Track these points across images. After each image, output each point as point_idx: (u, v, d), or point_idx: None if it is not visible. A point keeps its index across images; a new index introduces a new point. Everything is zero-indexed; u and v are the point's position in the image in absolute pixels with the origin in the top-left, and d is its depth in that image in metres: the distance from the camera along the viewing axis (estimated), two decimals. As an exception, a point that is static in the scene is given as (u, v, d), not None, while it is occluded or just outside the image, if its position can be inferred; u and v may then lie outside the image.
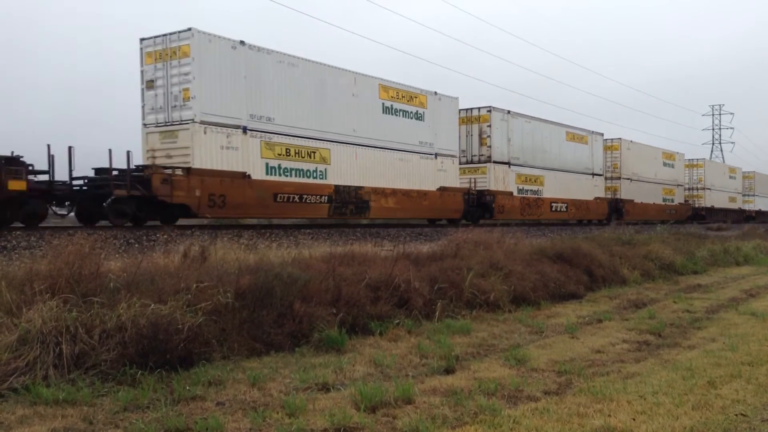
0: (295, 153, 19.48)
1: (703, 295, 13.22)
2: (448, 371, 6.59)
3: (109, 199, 15.45)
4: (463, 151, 28.17)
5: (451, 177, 25.87)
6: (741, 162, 77.61)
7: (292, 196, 19.17)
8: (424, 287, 9.58)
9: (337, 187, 20.64)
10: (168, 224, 17.09)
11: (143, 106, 17.80)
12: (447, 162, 25.60)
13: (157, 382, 5.77)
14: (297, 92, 19.56)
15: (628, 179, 39.76)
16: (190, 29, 17.01)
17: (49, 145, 15.04)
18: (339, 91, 20.96)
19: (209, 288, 7.16)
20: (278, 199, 18.86)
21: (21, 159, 14.24)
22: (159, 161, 17.18)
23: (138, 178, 15.97)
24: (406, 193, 23.42)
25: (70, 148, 15.57)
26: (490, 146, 28.09)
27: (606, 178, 37.70)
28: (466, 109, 28.29)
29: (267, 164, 18.63)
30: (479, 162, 28.25)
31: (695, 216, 47.92)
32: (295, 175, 19.45)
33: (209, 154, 17.20)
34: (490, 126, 28.07)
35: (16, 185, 13.85)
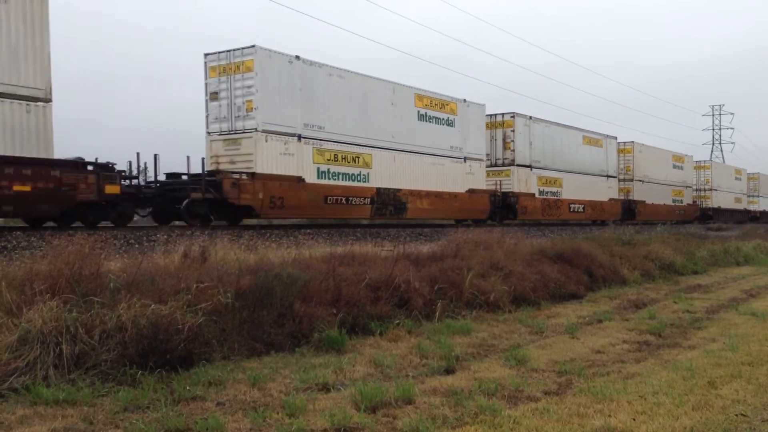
0: (342, 158, 21.27)
1: (704, 296, 13.21)
2: (449, 371, 6.59)
3: (185, 201, 17.07)
4: (488, 154, 29.42)
5: (479, 179, 27.47)
6: (741, 162, 77.76)
7: (339, 198, 20.94)
8: (424, 287, 9.58)
9: (378, 189, 22.35)
10: (234, 224, 18.82)
11: (207, 116, 19.48)
12: (475, 165, 27.23)
13: (157, 382, 5.77)
14: (344, 102, 21.29)
15: (640, 181, 41.23)
16: (253, 46, 18.67)
17: (138, 153, 16.93)
18: (380, 101, 22.66)
19: (209, 288, 7.16)
20: (328, 201, 20.63)
21: (113, 166, 15.90)
22: (222, 166, 18.72)
23: (211, 182, 17.59)
24: (439, 195, 24.99)
25: (155, 155, 17.61)
26: (513, 150, 29.74)
27: (619, 180, 39.11)
28: (491, 115, 29.68)
29: (318, 169, 20.41)
30: (503, 165, 29.86)
31: (703, 216, 49.21)
32: (342, 179, 21.19)
33: (269, 160, 18.81)
34: (513, 131, 29.75)
35: (111, 189, 15.47)
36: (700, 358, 7.25)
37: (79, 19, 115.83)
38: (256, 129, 18.56)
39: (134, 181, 17.06)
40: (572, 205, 33.66)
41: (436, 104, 25.35)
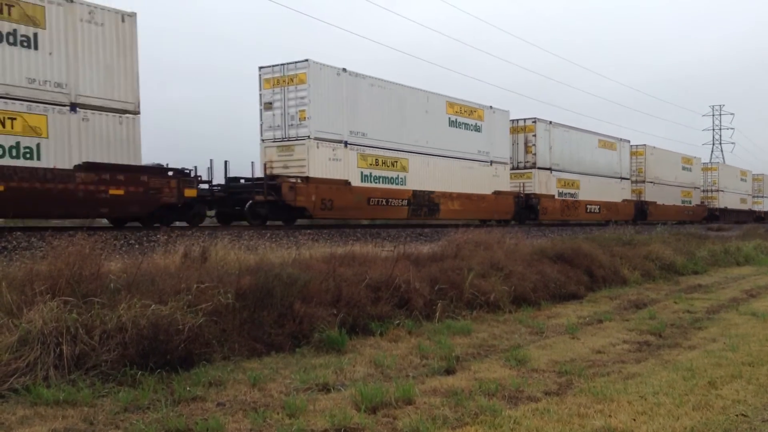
0: (382, 163, 23.01)
1: (704, 296, 13.21)
2: (449, 372, 6.59)
3: (249, 203, 19.00)
4: (510, 158, 30.81)
5: (504, 182, 29.12)
6: (741, 162, 77.88)
7: (380, 199, 22.72)
8: (425, 288, 9.58)
9: (414, 191, 24.07)
10: (289, 224, 20.59)
11: (261, 125, 21.27)
12: (500, 168, 28.88)
13: (157, 382, 5.77)
14: (383, 110, 23.02)
15: (652, 182, 42.80)
16: (307, 60, 20.32)
17: (212, 160, 18.85)
18: (415, 108, 24.32)
19: (210, 288, 7.16)
20: (370, 203, 22.35)
21: (189, 171, 17.67)
22: (275, 171, 20.36)
23: (271, 186, 19.40)
24: (468, 197, 26.68)
25: (226, 162, 19.74)
26: (535, 153, 31.43)
27: (632, 182, 40.65)
28: (514, 120, 31.25)
29: (362, 173, 22.12)
30: (525, 168, 31.48)
31: (710, 216, 50.59)
32: (382, 182, 22.97)
33: (320, 165, 20.59)
34: (535, 135, 31.43)
35: (189, 193, 17.20)
36: (701, 359, 7.24)
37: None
38: (308, 136, 20.29)
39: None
40: (589, 206, 35.17)
41: (465, 111, 26.89)
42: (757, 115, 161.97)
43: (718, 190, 54.22)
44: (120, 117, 15.73)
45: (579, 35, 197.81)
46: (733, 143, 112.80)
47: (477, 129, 27.48)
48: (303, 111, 20.34)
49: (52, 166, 14.47)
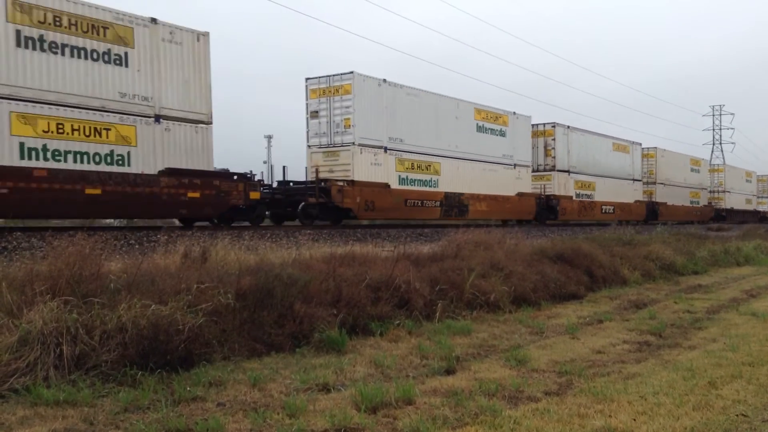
0: (417, 167, 24.82)
1: (704, 296, 13.21)
2: (449, 372, 6.58)
3: (302, 204, 20.95)
4: (531, 161, 32.39)
5: (526, 184, 30.92)
6: (741, 162, 78.01)
7: (416, 201, 24.51)
8: (425, 288, 9.58)
9: (446, 193, 25.76)
10: (336, 224, 22.29)
11: (307, 132, 23.03)
12: (522, 171, 30.65)
13: (157, 382, 5.77)
14: (418, 117, 24.71)
15: (662, 184, 44.63)
16: (352, 72, 22.05)
17: (272, 166, 22.17)
18: (446, 115, 25.99)
19: (210, 289, 7.16)
20: (407, 204, 24.12)
21: (252, 175, 19.40)
22: (321, 175, 22.00)
23: (322, 189, 21.18)
24: (494, 198, 28.45)
25: (284, 167, 22.45)
26: (554, 157, 33.28)
27: (644, 183, 42.44)
28: (534, 125, 32.82)
29: (399, 176, 23.86)
30: (545, 170, 33.32)
31: (717, 217, 52.17)
32: (418, 185, 24.76)
33: (363, 169, 22.30)
34: (554, 139, 33.26)
35: (254, 195, 18.93)
36: (701, 359, 7.24)
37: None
38: (353, 143, 22.02)
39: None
40: (604, 207, 36.93)
41: (491, 117, 28.64)
42: (757, 115, 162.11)
43: (724, 191, 55.84)
44: (196, 127, 17.56)
45: (579, 35, 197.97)
46: (733, 143, 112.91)
47: (502, 134, 29.15)
48: (348, 119, 22.07)
49: (140, 172, 16.20)
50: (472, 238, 13.36)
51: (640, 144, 41.68)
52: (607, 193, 37.24)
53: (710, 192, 54.11)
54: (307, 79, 22.97)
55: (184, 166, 17.08)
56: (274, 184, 22.47)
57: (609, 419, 5.01)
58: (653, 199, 43.35)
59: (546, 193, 32.41)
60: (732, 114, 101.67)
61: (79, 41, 15.20)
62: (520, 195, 30.16)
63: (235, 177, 18.79)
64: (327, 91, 22.49)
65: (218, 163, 19.53)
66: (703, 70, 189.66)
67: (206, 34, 17.77)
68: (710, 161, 61.38)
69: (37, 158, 14.55)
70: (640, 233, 21.20)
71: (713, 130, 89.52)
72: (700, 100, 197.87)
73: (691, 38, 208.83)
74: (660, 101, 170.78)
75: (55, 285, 6.42)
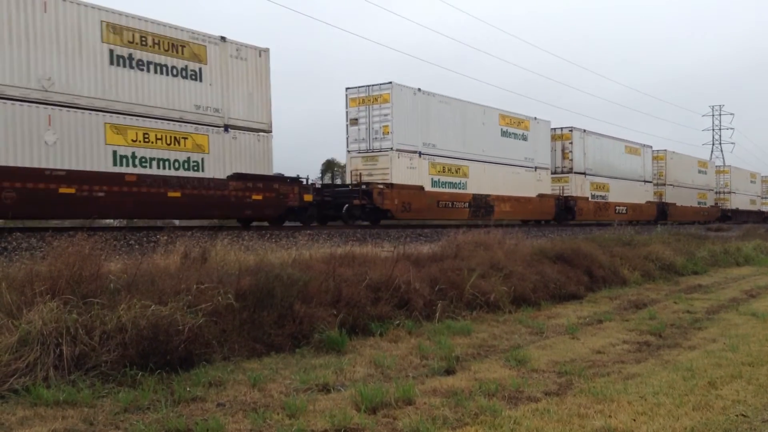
0: (448, 170, 26.36)
1: (704, 296, 13.21)
2: (449, 372, 6.58)
3: (346, 206, 22.67)
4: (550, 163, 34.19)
5: (546, 185, 32.49)
6: (741, 163, 78.18)
7: (447, 202, 26.12)
8: (425, 288, 9.58)
9: (474, 195, 27.42)
10: (375, 224, 23.56)
11: (347, 138, 24.76)
12: (543, 173, 32.27)
13: (157, 383, 5.77)
14: (449, 124, 26.34)
15: (671, 185, 46.34)
16: (390, 83, 23.77)
17: (323, 170, 24.22)
18: (473, 121, 27.65)
19: (210, 289, 7.15)
20: (439, 205, 25.71)
21: (304, 179, 21.13)
22: (362, 178, 23.69)
23: (365, 191, 23.02)
24: (517, 199, 29.97)
25: (333, 171, 24.56)
26: (571, 159, 34.88)
27: (654, 184, 44.11)
28: (552, 129, 34.25)
29: (432, 179, 25.47)
30: (562, 172, 34.87)
31: (723, 217, 53.67)
32: (448, 187, 26.30)
33: (400, 173, 23.98)
34: (571, 143, 34.83)
35: (307, 197, 20.67)
36: (701, 359, 7.24)
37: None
38: (391, 148, 23.73)
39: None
40: (617, 207, 38.47)
41: (514, 122, 30.23)
42: (757, 116, 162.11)
43: (729, 192, 57.43)
44: (258, 135, 19.18)
45: (579, 35, 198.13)
46: (733, 143, 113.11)
47: (524, 138, 30.78)
48: (386, 126, 23.76)
49: (212, 177, 17.83)
50: (471, 238, 13.35)
51: (651, 147, 43.29)
52: (620, 194, 38.72)
53: (716, 193, 55.58)
54: (347, 88, 24.73)
55: (248, 171, 18.76)
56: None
57: (609, 419, 5.01)
58: (663, 200, 44.86)
59: (564, 195, 33.98)
60: (732, 114, 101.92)
61: (161, 59, 16.82)
62: (540, 196, 31.70)
63: (288, 180, 20.44)
64: (366, 100, 24.15)
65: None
66: (703, 70, 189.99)
67: (267, 50, 19.43)
68: (710, 161, 61.88)
69: (128, 165, 16.11)
70: (640, 233, 21.19)
71: (713, 130, 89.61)
72: (700, 100, 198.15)
73: (691, 38, 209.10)
74: (660, 101, 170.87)
75: (54, 285, 6.41)
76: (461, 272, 10.53)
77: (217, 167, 18.01)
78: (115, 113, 15.86)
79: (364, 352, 7.40)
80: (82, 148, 15.27)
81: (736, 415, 5.22)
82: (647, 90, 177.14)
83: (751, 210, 62.29)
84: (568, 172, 34.84)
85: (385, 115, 23.74)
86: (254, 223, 20.48)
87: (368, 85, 24.20)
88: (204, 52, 17.80)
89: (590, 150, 36.03)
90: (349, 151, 24.80)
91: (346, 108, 24.64)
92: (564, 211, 33.58)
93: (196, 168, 17.50)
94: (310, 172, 31.02)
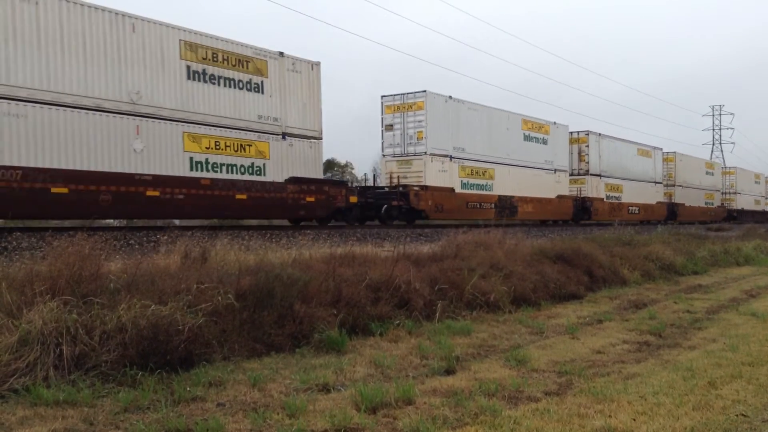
0: (476, 172, 28.02)
1: (704, 296, 13.21)
2: (449, 372, 6.58)
3: (385, 207, 24.25)
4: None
5: (564, 187, 34.16)
6: (741, 162, 78.28)
7: (475, 203, 27.69)
8: (425, 288, 9.57)
9: (499, 196, 28.92)
10: (410, 224, 25.41)
11: (382, 142, 26.50)
12: (562, 175, 33.90)
13: (157, 383, 5.77)
14: (476, 129, 27.96)
15: (681, 186, 48.05)
16: (424, 91, 25.39)
17: (365, 174, 26.28)
18: (499, 126, 29.27)
19: (210, 289, 7.15)
20: (468, 206, 27.27)
21: (346, 182, 23.32)
22: (395, 181, 25.39)
23: (402, 193, 24.73)
24: (539, 200, 31.74)
25: (374, 175, 27.48)
26: (587, 162, 36.54)
27: (664, 185, 45.77)
28: (569, 132, 35.76)
29: (461, 181, 27.12)
30: (579, 174, 36.58)
31: (729, 217, 55.25)
32: (476, 189, 27.92)
33: (433, 175, 25.52)
34: (587, 146, 36.54)
35: (353, 199, 22.43)
36: (701, 359, 7.24)
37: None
38: (425, 152, 25.29)
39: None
40: (630, 208, 40.11)
41: (535, 127, 31.80)
42: (757, 115, 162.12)
43: (735, 193, 59.09)
44: (310, 142, 20.83)
45: (579, 35, 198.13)
46: (732, 143, 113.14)
47: (544, 142, 32.39)
48: (420, 132, 25.37)
49: (272, 180, 19.46)
50: (471, 238, 13.35)
51: (661, 149, 45.14)
52: (632, 194, 40.30)
53: (722, 194, 57.25)
54: (382, 96, 26.55)
55: (302, 175, 20.42)
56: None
57: (609, 419, 5.01)
58: (673, 200, 46.48)
59: (581, 196, 35.67)
60: (732, 114, 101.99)
61: (230, 73, 18.52)
62: (559, 197, 33.37)
63: (336, 183, 22.81)
64: (401, 107, 25.82)
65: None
66: (703, 70, 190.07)
67: (318, 64, 21.10)
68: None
69: (202, 170, 17.79)
70: (639, 233, 21.19)
71: (713, 130, 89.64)
72: (700, 100, 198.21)
73: (691, 38, 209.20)
74: (660, 101, 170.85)
75: (54, 285, 6.41)
76: (461, 272, 10.53)
77: (276, 172, 19.63)
78: (192, 123, 17.50)
79: (364, 352, 7.40)
80: (164, 155, 16.83)
81: (736, 415, 5.23)
82: (647, 90, 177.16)
83: (755, 210, 63.70)
84: (584, 174, 36.42)
85: (420, 121, 25.35)
86: (295, 223, 22.17)
87: (403, 93, 25.81)
88: (265, 67, 19.44)
89: (605, 153, 37.61)
90: (383, 155, 26.50)
91: (382, 114, 26.40)
92: (581, 211, 35.08)
93: (258, 172, 19.15)
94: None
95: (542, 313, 10.57)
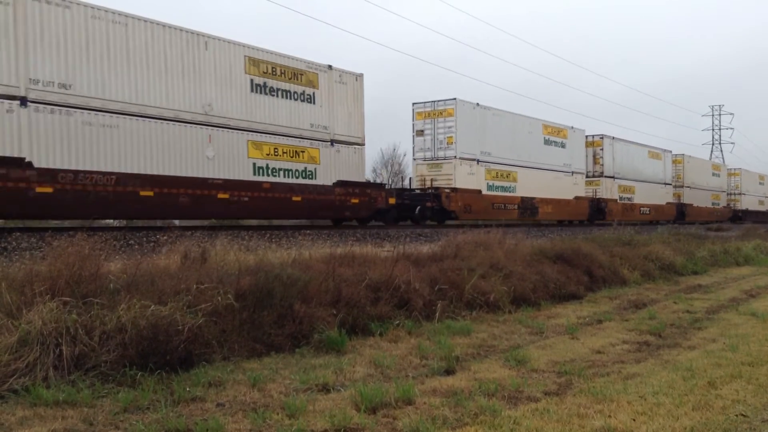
0: (500, 175, 29.48)
1: (704, 296, 13.21)
2: (449, 372, 6.58)
3: (418, 208, 25.84)
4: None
5: (581, 189, 35.53)
6: (741, 162, 78.36)
7: (500, 204, 29.22)
8: (425, 288, 9.57)
9: (522, 198, 30.48)
10: (440, 224, 26.51)
11: (413, 147, 28.20)
12: (578, 177, 35.32)
13: (157, 383, 5.77)
14: (501, 134, 29.37)
15: (689, 187, 49.19)
16: (454, 99, 26.96)
17: (402, 177, 27.88)
18: (521, 131, 30.76)
19: (209, 289, 7.15)
20: (494, 207, 28.80)
21: (387, 184, 24.76)
22: (426, 184, 27.11)
23: (435, 195, 26.39)
24: (558, 202, 33.23)
25: (410, 179, 28.08)
26: (602, 164, 37.99)
27: (673, 186, 46.98)
28: (586, 136, 37.47)
29: (487, 183, 28.61)
30: (594, 176, 37.94)
31: (734, 217, 56.57)
32: (500, 191, 29.41)
33: (462, 178, 27.05)
34: (602, 149, 38.00)
35: (391, 200, 24.17)
36: (701, 359, 7.24)
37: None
38: (455, 156, 26.80)
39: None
40: (642, 208, 41.56)
41: (554, 131, 33.24)
42: (757, 115, 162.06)
43: (740, 194, 60.87)
44: (354, 148, 22.27)
45: (579, 35, 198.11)
46: (732, 143, 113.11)
47: (562, 146, 33.78)
48: (450, 137, 26.90)
49: (322, 184, 20.92)
50: (471, 238, 13.34)
51: (670, 151, 46.62)
52: (644, 196, 41.71)
53: (728, 194, 58.50)
54: (413, 103, 28.14)
55: (348, 179, 21.87)
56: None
57: (608, 419, 5.01)
58: (681, 201, 47.74)
59: (597, 197, 37.19)
60: (731, 114, 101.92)
61: (286, 86, 20.00)
62: (576, 198, 34.77)
63: (377, 186, 24.76)
64: (432, 114, 27.38)
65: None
66: (703, 70, 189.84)
67: (361, 75, 22.65)
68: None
69: (263, 174, 19.24)
70: (639, 233, 21.18)
71: (713, 130, 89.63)
72: (700, 100, 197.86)
73: (691, 38, 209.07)
74: (660, 101, 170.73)
75: (54, 285, 6.41)
76: (461, 272, 10.53)
77: (325, 176, 21.15)
78: (255, 132, 19.03)
79: (363, 352, 7.40)
80: (231, 161, 18.37)
81: (736, 415, 5.23)
82: (647, 90, 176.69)
83: (759, 210, 64.88)
84: (599, 176, 37.81)
85: (450, 127, 26.92)
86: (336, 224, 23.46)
87: (433, 101, 27.44)
88: (316, 79, 20.96)
89: (618, 155, 39.03)
90: (414, 159, 28.16)
91: (413, 121, 28.00)
92: (596, 211, 36.56)
93: (310, 176, 20.71)
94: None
95: (542, 313, 10.57)
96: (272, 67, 19.64)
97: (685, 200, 48.35)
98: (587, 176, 37.02)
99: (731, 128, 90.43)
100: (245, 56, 18.84)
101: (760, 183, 67.42)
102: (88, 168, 15.12)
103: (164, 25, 16.89)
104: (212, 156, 17.87)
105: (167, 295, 6.79)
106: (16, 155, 14.02)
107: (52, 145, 14.63)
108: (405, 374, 6.47)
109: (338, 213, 22.12)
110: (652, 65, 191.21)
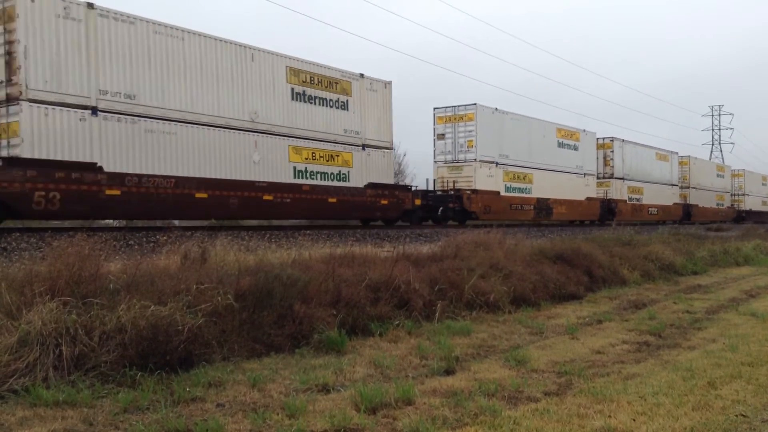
0: (517, 177, 30.44)
1: (704, 296, 13.21)
2: (449, 372, 6.58)
3: (441, 209, 27.34)
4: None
5: (592, 190, 36.59)
6: (741, 163, 78.45)
7: (517, 205, 30.29)
8: (424, 288, 9.57)
9: (537, 199, 31.50)
10: (461, 224, 26.70)
11: (434, 150, 29.10)
12: (590, 179, 36.35)
13: (157, 383, 5.76)
14: (518, 137, 30.34)
15: (694, 188, 50.23)
16: (475, 104, 28.03)
17: (426, 180, 29.10)
18: (537, 134, 31.77)
19: (209, 289, 7.15)
20: (511, 208, 29.88)
21: (410, 186, 26.82)
22: (447, 185, 28.21)
23: (457, 196, 27.48)
24: (570, 202, 34.15)
25: (427, 180, 29.47)
26: (612, 166, 38.97)
27: (680, 187, 47.88)
28: (597, 138, 38.45)
29: (505, 185, 29.58)
30: (604, 177, 38.79)
31: (738, 217, 57.44)
32: (517, 192, 30.39)
33: (481, 180, 28.08)
34: (612, 151, 38.94)
35: (418, 202, 25.38)
36: (700, 359, 7.24)
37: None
38: (475, 159, 27.84)
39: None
40: (650, 209, 42.56)
41: (567, 134, 34.26)
42: (757, 115, 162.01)
43: (744, 194, 61.52)
44: (383, 152, 23.55)
45: (579, 35, 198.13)
46: (732, 143, 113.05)
47: (575, 148, 34.74)
48: (471, 141, 27.91)
49: (355, 186, 22.02)
50: (471, 238, 13.34)
51: (677, 153, 47.59)
52: (652, 196, 42.63)
53: (732, 195, 59.34)
54: (435, 108, 29.12)
55: (378, 181, 23.00)
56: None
57: (608, 419, 5.01)
58: (687, 202, 48.56)
59: (607, 198, 38.12)
60: (731, 114, 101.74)
61: (323, 94, 21.15)
62: (588, 199, 35.68)
63: (404, 188, 25.94)
64: (452, 118, 28.39)
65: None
66: (703, 70, 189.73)
67: (390, 83, 23.82)
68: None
69: (303, 177, 20.35)
70: (639, 233, 21.18)
71: (713, 130, 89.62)
72: (700, 100, 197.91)
73: (691, 38, 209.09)
74: (660, 101, 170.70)
75: (54, 286, 6.41)
76: (461, 272, 10.53)
77: (357, 178, 22.21)
78: (295, 137, 20.15)
79: (363, 352, 7.40)
80: (274, 165, 19.47)
81: (736, 415, 5.23)
82: (647, 90, 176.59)
83: (762, 211, 65.75)
84: (609, 178, 38.67)
85: (470, 131, 27.92)
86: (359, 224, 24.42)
87: (454, 106, 28.45)
88: (349, 87, 22.12)
89: (627, 157, 39.95)
90: (435, 161, 29.12)
91: (434, 125, 29.04)
92: (606, 212, 37.37)
93: (344, 179, 21.74)
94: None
95: (542, 314, 10.57)
96: (310, 77, 20.81)
97: (691, 201, 49.21)
98: (598, 177, 37.96)
99: (731, 128, 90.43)
100: (287, 67, 19.99)
101: (763, 184, 68.35)
102: (150, 172, 16.16)
103: (216, 39, 18.08)
104: (258, 160, 19.00)
105: (167, 295, 6.79)
106: (88, 160, 15.03)
107: (119, 151, 15.66)
108: (405, 374, 6.47)
109: (369, 213, 23.25)
110: (652, 65, 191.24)
